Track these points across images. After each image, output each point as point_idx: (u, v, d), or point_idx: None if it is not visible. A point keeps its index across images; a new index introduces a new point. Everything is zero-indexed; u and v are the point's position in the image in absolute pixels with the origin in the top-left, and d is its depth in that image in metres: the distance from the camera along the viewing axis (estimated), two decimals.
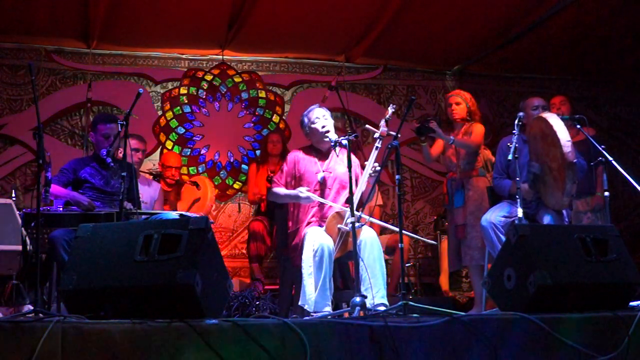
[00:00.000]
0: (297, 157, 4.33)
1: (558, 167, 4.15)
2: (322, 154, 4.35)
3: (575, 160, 4.06)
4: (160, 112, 6.62)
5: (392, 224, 4.93)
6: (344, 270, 4.41)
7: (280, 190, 4.29)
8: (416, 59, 7.05)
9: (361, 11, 5.93)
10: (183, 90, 6.71)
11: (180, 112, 6.68)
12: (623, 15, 5.94)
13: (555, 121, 4.14)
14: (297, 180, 4.28)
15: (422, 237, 5.10)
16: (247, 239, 5.82)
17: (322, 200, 4.15)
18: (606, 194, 4.27)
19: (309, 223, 4.16)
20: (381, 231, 5.46)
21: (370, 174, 4.07)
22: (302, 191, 4.16)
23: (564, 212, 4.49)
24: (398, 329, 2.46)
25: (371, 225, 4.24)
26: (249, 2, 5.72)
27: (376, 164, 4.06)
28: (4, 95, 6.22)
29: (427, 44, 6.59)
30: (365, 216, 4.02)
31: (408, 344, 2.45)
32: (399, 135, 3.69)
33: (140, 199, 4.48)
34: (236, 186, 6.66)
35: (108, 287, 2.53)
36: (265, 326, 2.37)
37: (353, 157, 3.93)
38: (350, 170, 3.59)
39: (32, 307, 3.36)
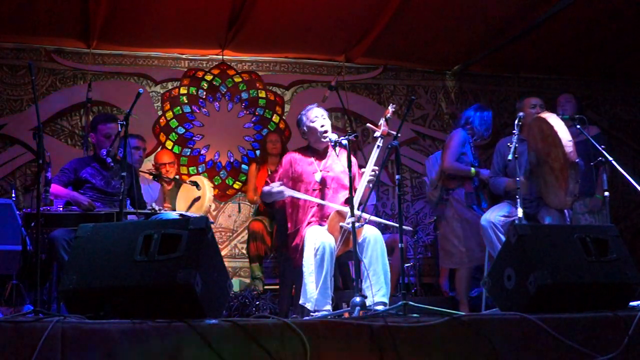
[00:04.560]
0: (294, 158, 4.33)
1: (560, 167, 4.15)
2: (320, 154, 4.35)
3: (577, 160, 4.06)
4: (160, 112, 6.62)
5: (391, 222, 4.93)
6: (344, 270, 4.41)
7: (265, 187, 4.28)
8: (416, 59, 7.04)
9: (361, 11, 5.93)
10: (183, 90, 6.71)
11: (180, 112, 6.67)
12: (623, 15, 5.94)
13: (555, 121, 4.15)
14: (294, 181, 4.27)
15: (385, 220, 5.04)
16: (247, 239, 5.82)
17: (297, 194, 4.15)
18: (606, 194, 4.27)
19: (309, 223, 4.15)
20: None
21: (370, 176, 4.06)
22: (274, 186, 4.17)
23: (566, 212, 4.50)
24: (398, 329, 2.46)
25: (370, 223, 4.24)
26: (249, 2, 5.71)
27: (376, 168, 4.06)
28: (4, 95, 6.22)
29: (427, 44, 6.59)
30: (365, 215, 4.02)
31: (408, 344, 2.45)
32: (399, 135, 3.69)
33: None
34: (236, 186, 6.66)
35: (108, 287, 2.53)
36: (265, 326, 2.37)
37: (352, 156, 3.92)
38: (350, 171, 3.59)
39: (32, 307, 3.36)
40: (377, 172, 4.06)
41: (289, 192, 4.15)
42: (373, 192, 5.51)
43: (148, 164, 6.15)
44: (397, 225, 3.43)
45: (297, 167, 4.28)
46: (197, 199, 5.47)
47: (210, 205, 5.57)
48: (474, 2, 5.74)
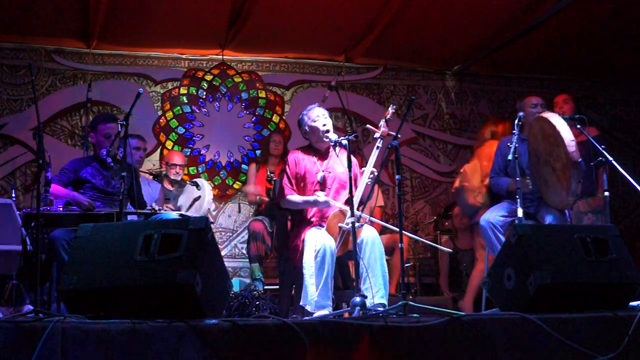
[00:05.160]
0: (297, 158, 4.32)
1: (562, 167, 4.14)
2: (321, 154, 4.34)
3: (580, 160, 4.06)
4: (160, 112, 6.62)
5: (392, 224, 4.93)
6: (344, 270, 4.40)
7: (296, 197, 4.19)
8: (416, 59, 7.05)
9: (361, 11, 5.93)
10: (183, 90, 6.71)
11: (180, 112, 6.68)
12: (623, 15, 5.94)
13: (557, 121, 4.14)
14: (298, 180, 4.27)
15: (422, 238, 5.14)
16: (247, 239, 5.81)
17: (339, 205, 4.10)
18: (606, 194, 4.27)
19: (309, 223, 4.15)
20: (381, 231, 5.46)
21: (368, 178, 4.05)
22: (320, 195, 4.09)
23: (566, 211, 4.50)
24: (398, 329, 2.46)
25: (372, 224, 4.23)
26: (249, 2, 5.72)
27: (374, 170, 4.04)
28: (4, 96, 6.23)
29: (427, 44, 6.59)
30: (365, 215, 4.02)
31: (408, 344, 2.45)
32: (399, 136, 3.68)
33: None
34: (236, 186, 6.66)
35: (108, 287, 2.53)
36: (265, 326, 2.37)
37: (352, 156, 3.92)
38: (350, 171, 3.58)
39: (32, 307, 3.36)
40: (375, 174, 4.05)
41: (332, 203, 4.09)
42: (378, 194, 5.54)
43: (148, 164, 6.16)
44: (397, 229, 3.43)
45: (301, 166, 4.27)
46: (197, 198, 5.47)
47: (209, 208, 5.57)
48: (474, 2, 5.74)
